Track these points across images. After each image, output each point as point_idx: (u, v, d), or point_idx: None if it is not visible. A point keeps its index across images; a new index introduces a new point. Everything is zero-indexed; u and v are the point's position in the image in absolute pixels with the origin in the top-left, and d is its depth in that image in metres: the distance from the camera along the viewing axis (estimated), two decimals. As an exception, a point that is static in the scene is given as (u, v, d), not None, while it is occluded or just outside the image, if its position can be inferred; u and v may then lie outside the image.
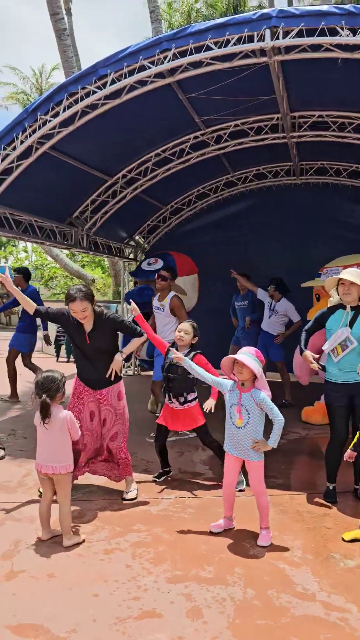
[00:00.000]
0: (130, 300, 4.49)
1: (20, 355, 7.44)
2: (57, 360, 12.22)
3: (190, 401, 4.32)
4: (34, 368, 7.42)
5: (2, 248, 21.88)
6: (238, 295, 8.13)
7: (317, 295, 6.69)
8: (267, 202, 9.51)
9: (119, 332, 4.04)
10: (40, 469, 3.34)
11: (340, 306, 4.07)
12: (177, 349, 4.29)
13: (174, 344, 4.41)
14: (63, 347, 12.31)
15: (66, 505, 3.34)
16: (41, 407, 3.28)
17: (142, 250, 10.30)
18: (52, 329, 12.72)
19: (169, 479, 4.53)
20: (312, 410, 6.46)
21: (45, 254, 18.76)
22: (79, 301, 3.74)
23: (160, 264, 7.26)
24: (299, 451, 5.47)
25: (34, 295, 7.13)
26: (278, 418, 3.32)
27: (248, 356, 3.32)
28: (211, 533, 3.48)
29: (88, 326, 3.88)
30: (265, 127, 7.30)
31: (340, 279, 4.00)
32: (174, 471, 4.63)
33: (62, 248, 9.07)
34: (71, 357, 11.95)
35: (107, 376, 3.92)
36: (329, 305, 4.30)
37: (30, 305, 3.99)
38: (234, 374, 3.42)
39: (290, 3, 24.65)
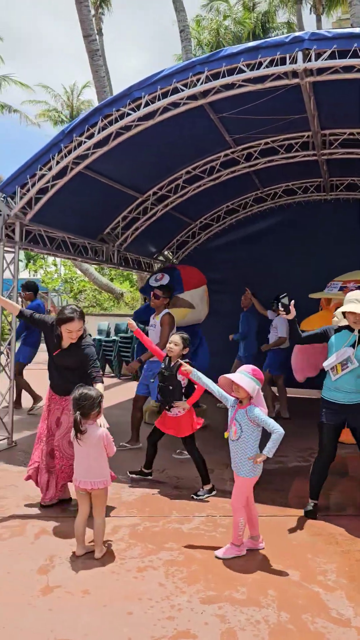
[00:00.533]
0: (129, 319, 4.84)
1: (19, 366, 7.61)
2: (103, 374, 12.32)
3: (179, 409, 4.57)
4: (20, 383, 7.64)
5: (33, 262, 22.34)
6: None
7: (320, 307, 6.77)
8: (296, 218, 9.51)
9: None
10: (78, 484, 3.42)
11: (347, 326, 4.11)
12: (169, 360, 4.63)
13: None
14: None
15: (102, 519, 3.42)
16: (74, 423, 3.39)
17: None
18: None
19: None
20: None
21: (74, 268, 19.07)
22: (77, 321, 3.94)
23: (166, 279, 7.15)
24: (330, 471, 5.39)
25: (39, 309, 7.47)
26: (276, 429, 3.37)
27: (244, 375, 3.44)
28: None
29: (65, 344, 4.06)
30: (296, 144, 7.34)
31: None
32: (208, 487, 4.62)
33: (94, 264, 9.23)
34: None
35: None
36: (333, 326, 4.27)
37: (14, 308, 4.31)
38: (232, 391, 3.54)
39: (319, 19, 24.79)
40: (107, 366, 12.28)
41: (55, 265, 20.68)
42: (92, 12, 18.74)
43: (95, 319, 14.14)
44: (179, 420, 4.58)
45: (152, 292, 6.17)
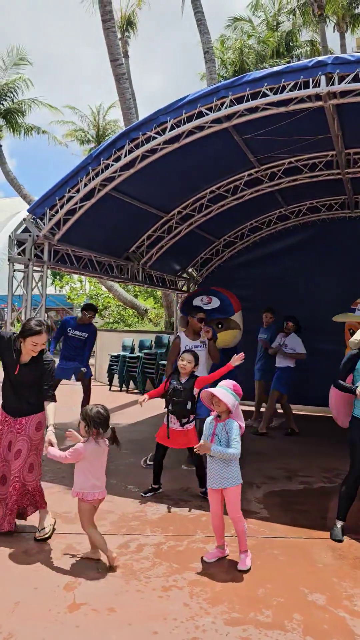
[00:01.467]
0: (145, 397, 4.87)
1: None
2: (109, 389, 12.45)
3: (189, 422, 4.86)
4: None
5: (59, 278, 22.73)
6: (261, 328, 8.59)
7: (350, 330, 6.59)
8: (321, 235, 9.51)
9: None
10: (97, 496, 3.59)
11: None
12: (179, 376, 4.87)
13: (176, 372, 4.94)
14: (116, 375, 12.56)
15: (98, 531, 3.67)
16: (114, 437, 3.64)
17: (195, 283, 10.48)
18: (104, 358, 13.07)
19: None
20: None
21: (99, 284, 19.34)
22: (45, 334, 3.90)
23: (215, 303, 7.15)
24: (356, 493, 5.33)
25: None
26: (233, 447, 3.53)
27: (225, 390, 3.61)
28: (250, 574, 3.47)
29: (25, 359, 3.95)
30: (320, 163, 7.39)
31: None
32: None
33: (119, 281, 9.37)
34: (123, 386, 12.20)
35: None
36: (353, 351, 4.27)
37: None
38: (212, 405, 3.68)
39: (342, 36, 24.91)
40: (132, 382, 12.38)
41: (80, 281, 21.00)
42: (119, 35, 19.28)
43: (119, 335, 14.28)
44: (187, 432, 4.86)
45: (196, 315, 5.92)
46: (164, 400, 4.95)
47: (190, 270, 10.34)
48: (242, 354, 4.70)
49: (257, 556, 3.76)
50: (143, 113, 22.49)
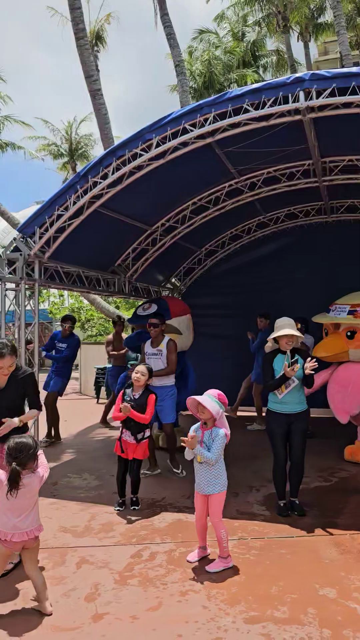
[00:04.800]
0: (126, 405, 4.86)
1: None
2: (97, 401, 12.47)
3: (145, 438, 5.00)
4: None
5: (40, 293, 22.66)
6: (260, 333, 8.63)
7: (325, 331, 6.73)
8: (299, 241, 9.77)
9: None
10: (10, 538, 3.11)
11: (279, 351, 4.77)
12: (132, 389, 4.98)
13: (130, 385, 5.02)
14: (103, 388, 12.58)
15: (39, 571, 3.27)
16: (11, 477, 3.03)
17: (179, 292, 10.63)
18: (90, 371, 13.09)
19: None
20: (356, 448, 6.46)
21: (80, 297, 19.32)
22: (9, 357, 3.61)
23: (154, 308, 7.28)
24: (353, 489, 5.52)
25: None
26: (212, 453, 3.69)
27: (210, 398, 3.77)
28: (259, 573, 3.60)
29: (2, 383, 3.74)
30: (297, 172, 7.63)
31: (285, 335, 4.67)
32: (231, 513, 4.74)
33: (107, 295, 9.48)
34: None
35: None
36: (267, 351, 4.94)
37: None
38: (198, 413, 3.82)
39: (306, 45, 25.54)
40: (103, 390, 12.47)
41: (61, 295, 20.95)
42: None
43: (103, 347, 14.30)
44: (143, 444, 5.00)
45: (148, 323, 6.27)
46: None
47: (173, 280, 10.49)
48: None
49: (267, 556, 3.89)
50: (113, 123, 22.54)
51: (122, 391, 5.05)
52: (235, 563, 3.79)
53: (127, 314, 18.74)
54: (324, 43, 34.13)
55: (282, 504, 4.77)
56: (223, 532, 3.74)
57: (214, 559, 3.79)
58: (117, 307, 19.15)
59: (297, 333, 4.71)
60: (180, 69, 15.52)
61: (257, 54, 27.04)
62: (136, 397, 4.96)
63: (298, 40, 25.83)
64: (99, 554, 3.99)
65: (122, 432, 4.98)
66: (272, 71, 26.61)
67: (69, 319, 8.08)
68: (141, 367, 5.00)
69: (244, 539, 4.22)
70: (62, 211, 6.04)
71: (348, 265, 9.16)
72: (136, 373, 4.92)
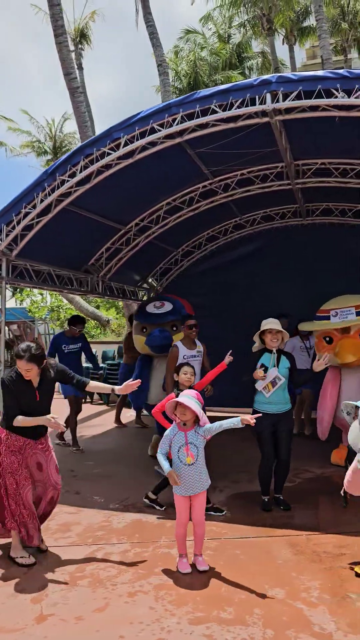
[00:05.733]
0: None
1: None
2: (92, 402, 12.30)
3: None
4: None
5: (19, 291, 22.46)
6: None
7: (326, 338, 6.33)
8: (275, 243, 9.80)
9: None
10: None
11: (265, 350, 4.91)
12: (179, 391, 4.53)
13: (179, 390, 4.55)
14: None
15: None
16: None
17: (155, 292, 10.62)
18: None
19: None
20: (342, 452, 6.34)
21: (60, 296, 19.20)
22: (26, 362, 3.72)
23: (168, 306, 7.12)
24: (314, 490, 5.55)
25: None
26: (225, 421, 3.74)
27: (190, 399, 3.75)
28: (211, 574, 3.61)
29: (35, 382, 3.88)
30: (271, 174, 7.66)
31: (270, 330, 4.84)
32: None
33: (79, 294, 9.42)
34: (87, 397, 12.15)
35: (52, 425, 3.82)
36: (254, 350, 5.08)
37: None
38: (175, 415, 3.76)
39: (291, 48, 25.68)
40: (95, 393, 12.34)
41: (41, 294, 20.81)
42: (72, 48, 19.33)
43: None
44: None
45: (189, 324, 5.97)
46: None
47: (150, 280, 10.47)
48: (230, 353, 5.10)
49: (220, 557, 3.90)
50: (98, 122, 22.49)
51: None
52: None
53: (106, 314, 18.69)
54: (313, 47, 34.39)
55: (266, 499, 4.96)
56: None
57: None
58: (97, 307, 19.08)
59: (280, 328, 4.89)
60: (163, 69, 15.50)
61: (242, 55, 27.14)
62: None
63: (283, 44, 25.97)
64: (53, 555, 3.96)
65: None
66: (257, 73, 26.68)
67: (79, 322, 7.65)
68: (189, 368, 4.62)
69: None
70: (30, 209, 5.99)
71: (323, 268, 9.23)
72: (185, 374, 4.54)
